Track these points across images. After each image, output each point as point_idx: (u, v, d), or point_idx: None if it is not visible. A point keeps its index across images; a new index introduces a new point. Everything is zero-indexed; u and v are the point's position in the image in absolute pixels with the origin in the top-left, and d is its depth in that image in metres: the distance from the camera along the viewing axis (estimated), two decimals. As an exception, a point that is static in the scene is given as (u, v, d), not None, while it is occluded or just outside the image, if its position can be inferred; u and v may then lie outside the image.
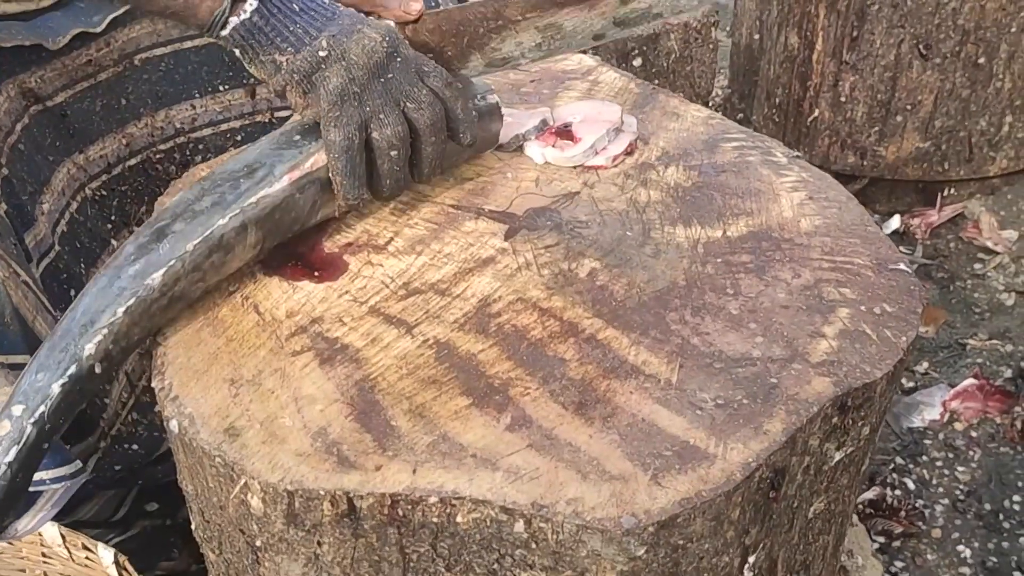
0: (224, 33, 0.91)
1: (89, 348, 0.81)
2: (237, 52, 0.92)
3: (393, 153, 0.92)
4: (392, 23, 0.95)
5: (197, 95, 1.30)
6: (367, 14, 0.98)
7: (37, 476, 0.97)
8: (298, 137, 0.93)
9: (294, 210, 0.92)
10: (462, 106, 0.95)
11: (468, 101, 0.96)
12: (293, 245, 0.95)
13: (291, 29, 0.90)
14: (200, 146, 1.31)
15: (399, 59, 0.92)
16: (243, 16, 0.90)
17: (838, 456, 0.83)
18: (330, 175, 0.91)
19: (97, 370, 0.82)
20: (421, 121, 0.92)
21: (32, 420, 0.79)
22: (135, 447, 1.22)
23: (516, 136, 1.07)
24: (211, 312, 0.89)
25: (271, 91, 0.94)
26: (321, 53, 0.89)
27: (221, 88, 1.31)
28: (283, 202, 0.90)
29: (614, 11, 0.94)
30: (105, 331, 0.82)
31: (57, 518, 1.15)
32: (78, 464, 1.01)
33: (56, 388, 0.80)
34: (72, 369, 0.80)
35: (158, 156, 1.29)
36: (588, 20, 0.95)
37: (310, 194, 0.92)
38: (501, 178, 1.04)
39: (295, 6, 0.91)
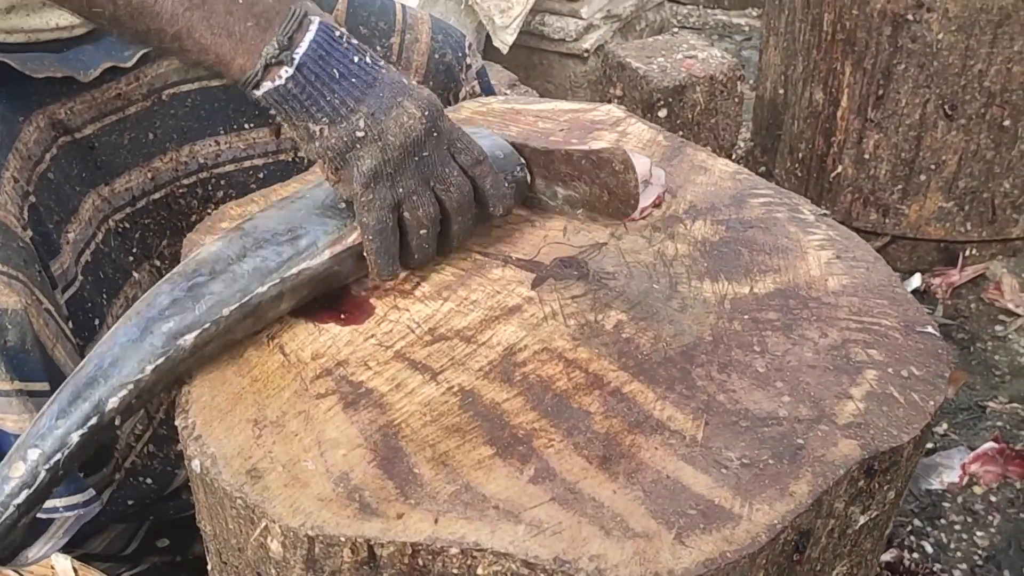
0: (257, 94, 0.88)
1: (113, 402, 0.81)
2: (272, 111, 0.90)
3: (423, 232, 0.92)
4: (432, 94, 0.92)
5: (222, 131, 1.31)
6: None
7: (50, 504, 0.98)
8: (343, 205, 0.93)
9: (329, 280, 0.93)
10: (491, 182, 0.95)
11: (499, 177, 0.97)
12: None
13: (327, 99, 0.87)
14: (223, 182, 1.32)
15: (435, 134, 0.91)
16: (277, 83, 0.87)
17: (863, 520, 0.82)
18: (365, 254, 0.92)
19: (116, 422, 0.82)
20: (450, 203, 0.93)
21: (47, 467, 0.79)
22: (148, 481, 1.21)
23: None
24: (237, 352, 0.89)
25: (304, 155, 0.94)
26: (359, 134, 0.87)
27: (246, 126, 1.32)
28: (322, 273, 0.91)
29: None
30: (131, 387, 0.82)
31: (68, 550, 1.14)
32: (91, 492, 1.01)
33: (75, 437, 0.80)
34: (93, 420, 0.81)
35: (181, 191, 1.30)
36: (546, 188, 1.05)
37: (347, 265, 0.93)
38: (528, 226, 1.04)
39: (335, 71, 0.87)
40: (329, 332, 0.91)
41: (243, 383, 0.86)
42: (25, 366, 0.96)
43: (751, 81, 2.98)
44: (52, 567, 1.13)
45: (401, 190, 0.90)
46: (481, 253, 1.00)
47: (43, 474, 0.79)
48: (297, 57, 0.86)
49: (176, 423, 0.83)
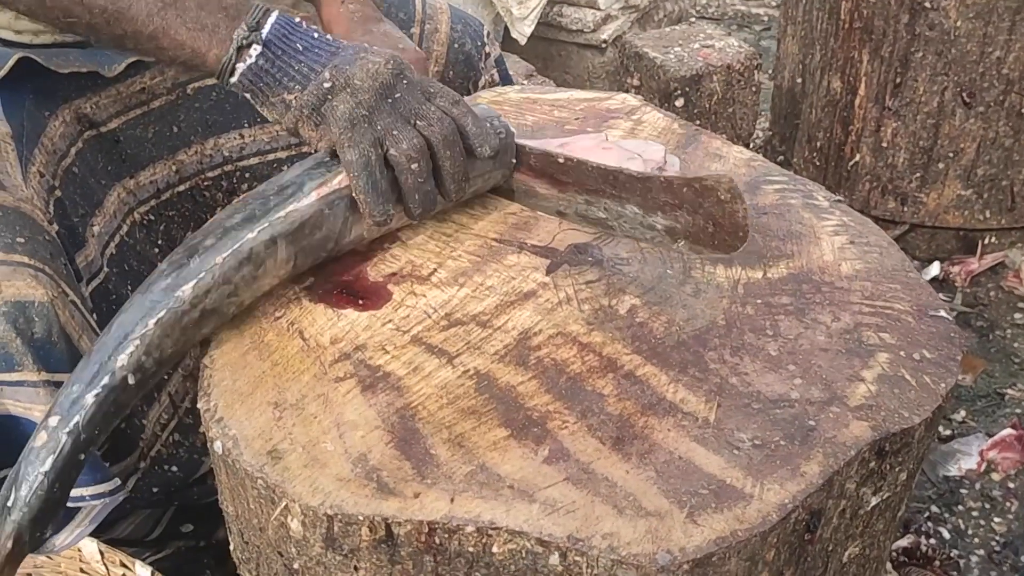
0: (233, 80, 0.94)
1: (122, 359, 0.83)
2: (248, 96, 0.94)
3: (414, 167, 0.92)
4: (396, 54, 0.96)
5: (246, 124, 1.32)
6: None
7: (76, 492, 1.00)
8: (328, 159, 0.95)
9: (324, 226, 0.93)
10: (472, 121, 0.95)
11: (479, 117, 0.96)
12: (338, 274, 0.97)
13: (296, 68, 0.92)
14: (247, 174, 1.34)
15: (405, 81, 0.93)
16: (249, 61, 0.93)
17: (874, 501, 0.83)
18: (354, 195, 0.92)
19: (130, 381, 0.83)
20: (434, 136, 0.93)
21: (67, 431, 0.81)
22: (174, 469, 1.23)
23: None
24: (257, 336, 0.91)
25: (285, 131, 0.96)
26: (326, 85, 0.91)
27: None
28: (312, 217, 0.92)
29: (579, 205, 1.00)
30: (137, 342, 0.83)
31: (94, 534, 1.16)
32: (117, 481, 1.03)
33: (90, 399, 0.81)
34: (105, 380, 0.82)
35: (206, 183, 1.32)
36: (558, 199, 1.02)
37: (340, 211, 0.93)
38: (544, 215, 1.05)
39: (298, 45, 0.93)
40: (347, 317, 0.92)
41: (263, 367, 0.88)
42: (52, 357, 0.98)
43: (769, 70, 2.98)
44: (79, 550, 1.15)
45: (380, 127, 0.91)
46: (497, 239, 1.01)
47: (64, 438, 0.80)
48: (263, 34, 0.93)
49: (199, 406, 0.85)
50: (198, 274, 0.86)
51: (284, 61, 0.93)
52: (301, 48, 0.93)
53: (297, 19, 0.95)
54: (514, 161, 1.03)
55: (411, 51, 1.18)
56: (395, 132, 0.91)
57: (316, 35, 0.95)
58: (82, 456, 0.82)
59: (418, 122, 0.93)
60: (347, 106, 0.90)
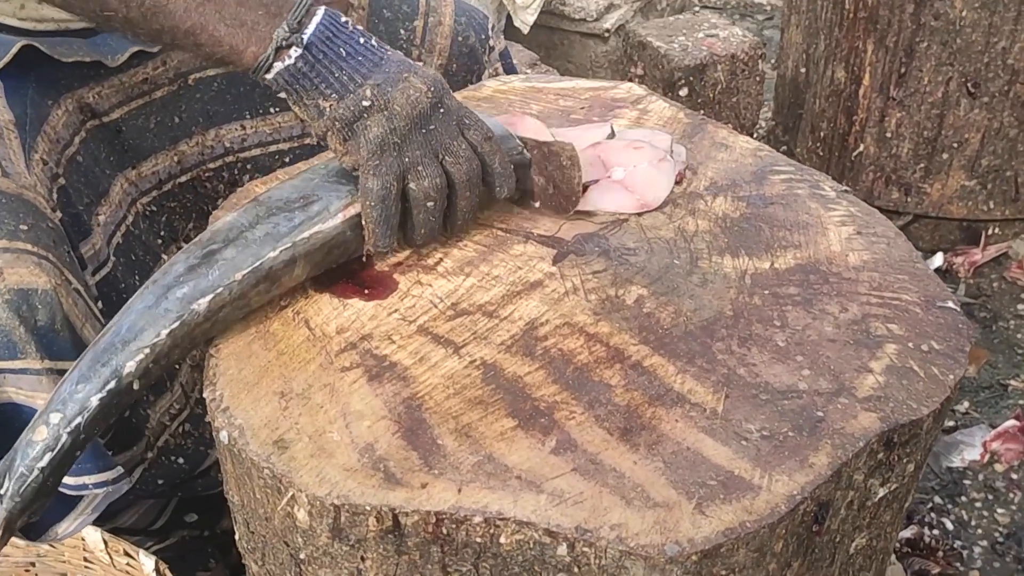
0: (269, 77, 0.92)
1: (130, 366, 0.83)
2: (283, 94, 0.93)
3: (429, 204, 0.92)
4: (437, 74, 0.95)
5: (248, 116, 1.32)
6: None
7: (79, 480, 0.99)
8: (354, 171, 0.94)
9: (343, 246, 0.93)
10: (499, 160, 0.95)
11: (506, 156, 0.96)
12: (344, 263, 0.96)
13: (336, 76, 0.90)
14: (249, 166, 1.33)
15: (442, 110, 0.92)
16: (287, 62, 0.90)
17: (882, 492, 0.83)
18: (363, 221, 0.92)
19: (135, 386, 0.84)
20: (458, 175, 0.93)
21: (68, 430, 0.81)
22: (180, 461, 1.23)
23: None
24: (263, 325, 0.91)
25: (313, 134, 0.95)
26: (365, 103, 0.90)
27: (272, 110, 1.33)
28: (335, 239, 0.92)
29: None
30: (148, 351, 0.83)
31: (97, 524, 1.16)
32: (120, 470, 1.03)
33: (95, 401, 0.82)
34: (112, 384, 0.82)
35: (207, 174, 1.31)
36: None
37: (360, 231, 0.93)
38: (550, 203, 1.05)
39: (341, 51, 0.91)
40: (353, 307, 0.92)
41: (269, 356, 0.87)
42: (55, 345, 0.97)
43: (772, 60, 2.97)
44: (83, 539, 1.15)
45: (407, 159, 0.91)
46: (503, 229, 1.01)
47: (64, 437, 0.81)
48: (306, 37, 0.90)
49: (204, 395, 0.85)
50: (215, 289, 0.86)
51: (324, 66, 0.90)
52: (344, 54, 0.91)
53: (344, 19, 0.93)
54: (523, 184, 1.04)
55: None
56: (420, 168, 0.91)
57: (362, 40, 0.92)
58: (78, 452, 0.83)
59: (446, 157, 0.92)
60: (381, 130, 0.90)
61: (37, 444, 0.81)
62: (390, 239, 0.93)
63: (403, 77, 0.91)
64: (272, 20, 0.91)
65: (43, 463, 0.81)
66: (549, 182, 1.01)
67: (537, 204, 1.03)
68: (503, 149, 0.98)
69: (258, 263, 0.87)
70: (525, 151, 1.01)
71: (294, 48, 0.90)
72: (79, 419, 0.81)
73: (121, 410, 0.85)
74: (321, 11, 0.92)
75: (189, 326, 0.85)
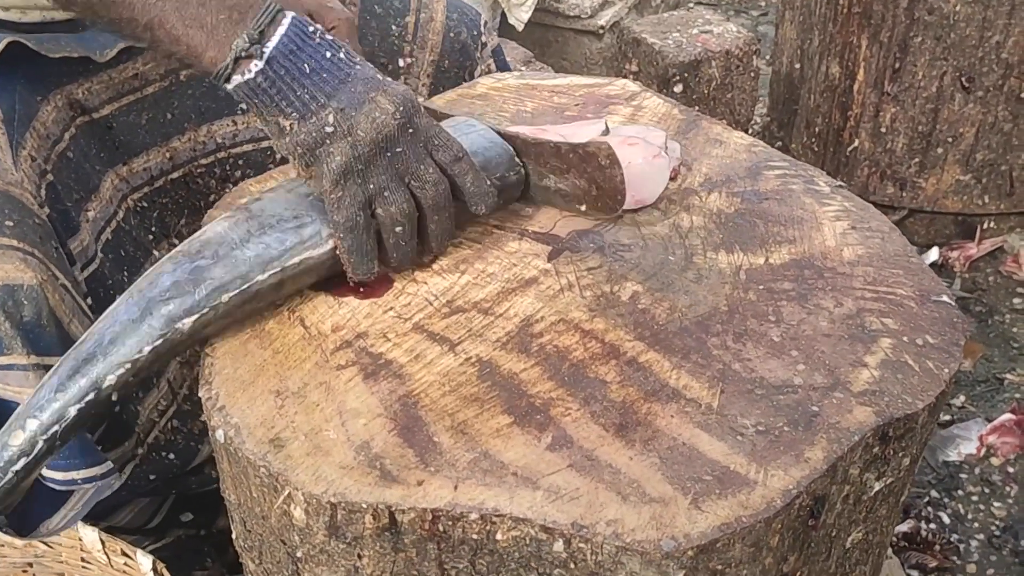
0: (228, 87, 0.89)
1: (110, 379, 0.83)
2: (245, 105, 0.90)
3: (398, 229, 0.90)
4: (408, 88, 0.92)
5: (240, 111, 1.32)
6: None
7: (68, 476, 1.00)
8: None
9: (330, 269, 0.92)
10: (472, 180, 0.93)
11: (480, 175, 0.94)
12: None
13: (297, 94, 0.87)
14: (241, 161, 1.33)
15: (410, 131, 0.89)
16: (247, 76, 0.87)
17: (878, 486, 0.83)
18: (338, 253, 0.90)
19: (113, 398, 0.84)
20: (425, 200, 0.90)
21: (44, 437, 0.82)
22: (171, 456, 1.23)
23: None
24: (258, 324, 0.91)
25: (276, 150, 0.93)
26: (328, 129, 0.86)
27: None
28: (323, 263, 0.91)
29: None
30: (128, 366, 0.84)
31: (93, 523, 1.16)
32: (109, 464, 1.03)
33: (72, 411, 0.82)
34: (90, 396, 0.83)
35: (199, 170, 1.31)
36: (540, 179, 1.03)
37: None
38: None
39: (305, 66, 0.87)
40: (348, 305, 0.92)
41: (265, 355, 0.87)
42: (41, 341, 0.97)
43: (767, 56, 2.97)
44: (80, 539, 1.15)
45: (372, 187, 0.88)
46: (498, 226, 1.01)
47: (40, 444, 0.82)
48: (267, 51, 0.87)
49: (200, 395, 0.85)
50: (201, 309, 0.86)
51: (286, 83, 0.86)
52: (308, 70, 0.87)
53: (312, 27, 0.89)
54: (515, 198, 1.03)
55: (338, 10, 1.16)
56: (386, 193, 0.88)
57: (328, 54, 0.88)
58: (53, 455, 0.84)
59: (412, 182, 0.90)
60: (344, 158, 0.86)
61: (12, 448, 0.82)
62: (368, 266, 0.91)
63: (369, 98, 0.87)
64: (234, 26, 0.87)
65: (17, 467, 0.82)
66: (592, 184, 0.99)
67: (583, 208, 1.01)
68: (490, 166, 0.97)
69: (246, 286, 0.87)
70: (522, 168, 1.01)
71: (254, 62, 0.87)
72: (56, 427, 0.82)
73: (97, 417, 0.86)
74: (288, 20, 0.88)
75: (172, 343, 0.85)
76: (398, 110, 0.88)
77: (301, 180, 0.96)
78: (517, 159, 1.01)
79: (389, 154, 0.88)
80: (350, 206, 0.88)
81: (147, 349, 0.84)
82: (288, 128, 0.87)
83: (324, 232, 0.90)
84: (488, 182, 0.95)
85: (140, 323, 0.84)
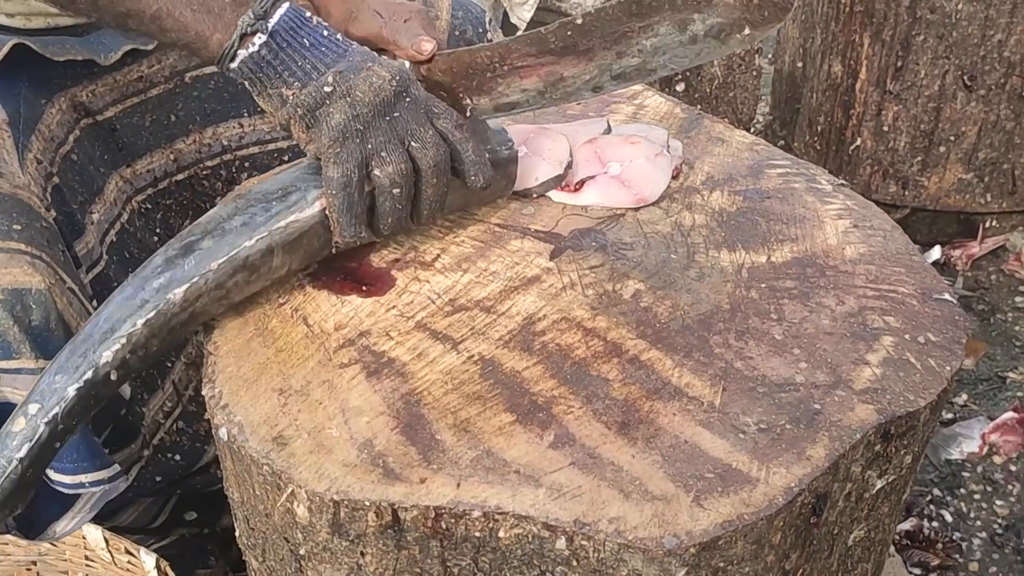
0: (233, 66, 0.91)
1: (107, 356, 0.83)
2: (247, 84, 0.92)
3: (396, 191, 0.90)
4: (405, 63, 0.95)
5: (245, 114, 1.32)
6: (380, 52, 0.99)
7: (76, 479, 1.00)
8: None
9: (322, 237, 0.92)
10: (472, 148, 0.93)
11: (480, 145, 0.94)
12: (342, 260, 0.96)
13: (299, 64, 0.90)
14: (247, 164, 1.33)
15: (408, 99, 0.91)
16: (251, 49, 0.90)
17: (880, 484, 0.83)
18: (327, 211, 0.90)
19: (113, 377, 0.84)
20: (424, 160, 0.90)
21: (46, 420, 0.81)
22: (177, 457, 1.23)
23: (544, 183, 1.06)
24: (261, 323, 0.91)
25: (277, 124, 0.94)
26: (326, 88, 0.89)
27: None
28: (311, 228, 0.90)
29: (610, 65, 0.92)
30: (123, 340, 0.83)
31: (97, 522, 1.16)
32: (116, 468, 1.03)
33: (71, 391, 0.82)
34: (88, 375, 0.83)
35: (205, 172, 1.31)
36: (586, 71, 0.93)
37: None
38: (546, 199, 1.05)
39: (305, 41, 0.91)
40: (351, 303, 0.92)
41: (268, 354, 0.88)
42: (50, 345, 0.97)
43: (769, 55, 2.97)
44: (84, 538, 1.16)
45: (371, 146, 0.89)
46: (500, 225, 1.01)
47: (42, 427, 0.81)
48: (271, 25, 0.90)
49: (203, 393, 0.85)
50: (191, 278, 0.86)
51: (288, 55, 0.90)
52: (308, 44, 0.91)
53: (308, 13, 0.93)
54: (513, 183, 1.02)
55: (408, 5, 1.16)
56: (383, 153, 0.89)
57: (326, 32, 0.92)
58: (58, 444, 0.83)
59: (412, 143, 0.90)
60: (343, 116, 0.88)
61: (15, 435, 0.81)
62: (356, 228, 0.91)
63: (366, 66, 0.90)
64: (238, 8, 0.91)
65: (21, 453, 0.81)
66: None
67: (745, 32, 0.84)
68: (490, 141, 0.97)
69: (234, 252, 0.87)
70: (515, 146, 1.00)
71: (259, 35, 0.90)
72: (56, 409, 0.82)
73: (100, 401, 0.85)
74: (287, 3, 0.92)
75: (165, 316, 0.85)
76: (394, 78, 0.90)
77: (293, 164, 0.96)
78: (508, 135, 1.00)
79: (388, 118, 0.90)
80: (347, 162, 0.89)
81: (140, 322, 0.84)
82: (290, 97, 0.90)
83: (309, 196, 0.90)
84: (487, 154, 0.95)
85: (133, 298, 0.85)
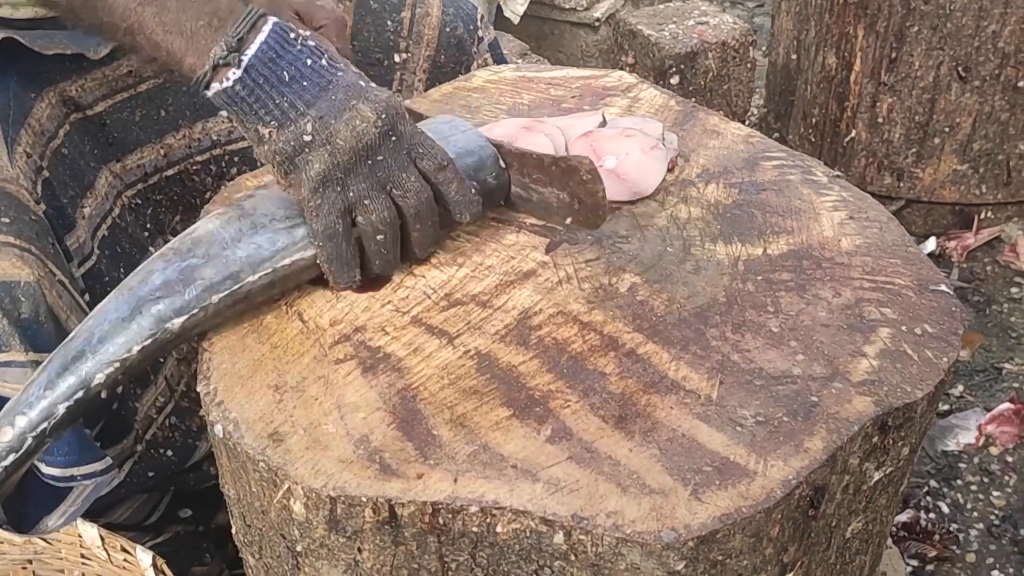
0: (208, 95, 0.88)
1: (99, 378, 0.83)
2: (224, 113, 0.90)
3: (380, 237, 0.88)
4: (396, 95, 0.90)
5: None
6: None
7: (68, 472, 1.00)
8: None
9: (320, 271, 0.91)
10: (456, 188, 0.91)
11: (464, 184, 0.92)
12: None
13: (276, 102, 0.85)
14: (236, 158, 1.32)
15: (393, 138, 0.87)
16: (225, 84, 0.86)
17: (877, 476, 0.83)
18: (318, 262, 0.89)
19: (102, 395, 0.84)
20: (407, 208, 0.88)
21: (33, 434, 0.82)
22: (169, 453, 1.23)
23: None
24: (256, 319, 0.91)
25: (256, 158, 0.92)
26: (306, 137, 0.85)
27: None
28: (315, 265, 0.90)
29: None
30: (117, 365, 0.83)
31: (91, 519, 1.16)
32: (108, 461, 1.03)
33: (61, 409, 0.82)
34: (79, 395, 0.83)
35: (195, 167, 1.31)
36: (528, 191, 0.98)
37: None
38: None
39: (284, 74, 0.86)
40: (346, 299, 0.92)
41: (263, 350, 0.87)
42: (39, 337, 0.97)
43: (763, 47, 2.96)
44: (79, 536, 1.15)
45: (352, 195, 0.86)
46: (495, 219, 1.00)
47: (29, 440, 0.82)
48: (245, 59, 0.86)
49: (198, 389, 0.85)
50: (191, 309, 0.85)
51: (264, 91, 0.85)
52: (287, 78, 0.85)
53: (293, 34, 0.87)
54: (503, 203, 1.01)
55: (328, 9, 1.15)
56: (366, 201, 0.87)
57: (309, 62, 0.87)
58: (42, 451, 0.84)
59: (394, 190, 0.88)
60: (323, 166, 0.85)
61: (1, 444, 0.82)
62: (350, 275, 0.90)
63: (350, 106, 0.86)
64: (213, 33, 0.86)
65: (6, 463, 0.82)
66: (573, 198, 0.95)
67: (568, 221, 0.96)
68: (474, 171, 0.95)
69: (237, 287, 0.87)
70: (505, 172, 0.98)
71: (232, 70, 0.86)
72: (44, 425, 0.82)
73: (87, 413, 0.86)
74: (268, 26, 0.87)
75: (161, 342, 0.85)
76: (379, 117, 0.86)
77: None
78: (501, 161, 0.98)
79: (370, 162, 0.87)
80: (328, 214, 0.86)
81: (136, 349, 0.84)
82: (267, 136, 0.86)
83: None
84: (473, 190, 0.93)
85: (130, 322, 0.84)
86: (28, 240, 0.98)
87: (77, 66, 1.18)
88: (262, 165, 1.30)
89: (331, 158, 0.85)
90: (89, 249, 1.14)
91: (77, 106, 1.19)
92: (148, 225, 1.27)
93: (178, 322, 0.85)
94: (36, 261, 0.98)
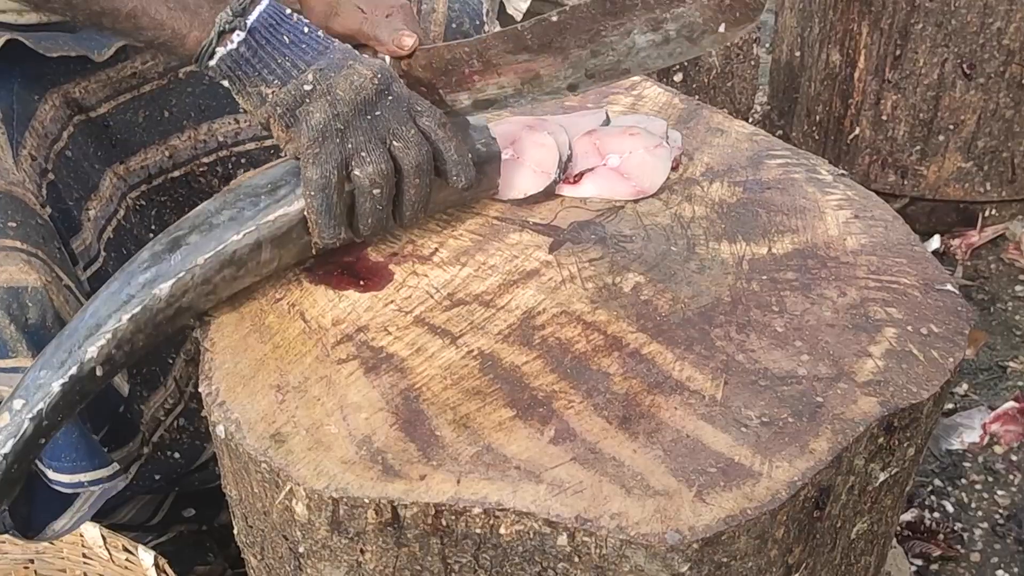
0: (211, 64, 0.90)
1: (91, 351, 0.82)
2: (226, 83, 0.91)
3: (376, 192, 0.89)
4: (387, 60, 0.94)
5: (241, 109, 1.31)
6: (361, 48, 0.97)
7: (75, 478, 0.99)
8: None
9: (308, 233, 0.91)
10: (455, 147, 0.91)
11: (463, 144, 0.92)
12: (339, 255, 0.95)
13: (279, 61, 0.89)
14: (243, 160, 1.32)
15: (390, 97, 0.89)
16: (230, 47, 0.89)
17: (883, 476, 0.83)
18: (306, 212, 0.89)
19: (98, 372, 0.83)
20: (406, 160, 0.89)
21: (30, 416, 0.81)
22: (176, 455, 1.23)
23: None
24: (258, 319, 0.90)
25: (257, 123, 0.93)
26: (306, 87, 0.88)
27: None
28: (300, 223, 0.89)
29: (585, 63, 0.90)
30: (108, 336, 0.83)
31: (95, 519, 1.16)
32: (116, 466, 1.02)
33: (56, 387, 0.81)
34: (73, 370, 0.82)
35: (201, 169, 1.30)
36: (561, 69, 0.91)
37: None
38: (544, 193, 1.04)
39: (285, 38, 0.89)
40: (349, 299, 0.91)
41: (265, 349, 0.87)
42: (46, 343, 0.97)
43: (767, 44, 2.96)
44: (81, 535, 1.15)
45: (351, 146, 0.88)
46: (498, 218, 1.00)
47: (27, 423, 0.81)
48: (249, 22, 0.89)
49: (200, 390, 0.84)
50: (177, 273, 0.85)
51: (267, 52, 0.89)
52: (287, 41, 0.89)
53: (288, 11, 0.92)
54: (499, 181, 1.00)
55: None
56: (364, 153, 0.88)
57: (306, 30, 0.90)
58: (43, 440, 0.83)
59: (394, 143, 0.89)
60: (323, 115, 0.87)
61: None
62: (334, 230, 0.90)
63: (347, 64, 0.89)
64: (215, 5, 0.89)
65: (6, 449, 0.80)
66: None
67: (721, 28, 0.84)
68: (471, 138, 0.95)
69: (221, 247, 0.86)
70: (496, 143, 0.98)
71: (236, 32, 0.89)
72: (41, 405, 0.81)
73: (85, 396, 0.84)
74: (266, 1, 0.90)
75: (151, 311, 0.84)
76: (376, 76, 0.89)
77: (285, 159, 0.95)
78: (490, 132, 0.98)
79: (369, 117, 0.89)
80: (325, 163, 0.87)
81: (125, 318, 0.83)
82: (270, 95, 0.89)
83: (298, 190, 0.89)
84: (469, 154, 0.93)
85: (118, 294, 0.84)
86: (35, 244, 0.98)
87: (81, 68, 1.18)
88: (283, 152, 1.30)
89: (331, 108, 0.87)
90: (95, 252, 1.14)
91: (80, 108, 1.18)
92: (153, 226, 1.26)
93: (165, 287, 0.84)
94: (43, 266, 0.97)
